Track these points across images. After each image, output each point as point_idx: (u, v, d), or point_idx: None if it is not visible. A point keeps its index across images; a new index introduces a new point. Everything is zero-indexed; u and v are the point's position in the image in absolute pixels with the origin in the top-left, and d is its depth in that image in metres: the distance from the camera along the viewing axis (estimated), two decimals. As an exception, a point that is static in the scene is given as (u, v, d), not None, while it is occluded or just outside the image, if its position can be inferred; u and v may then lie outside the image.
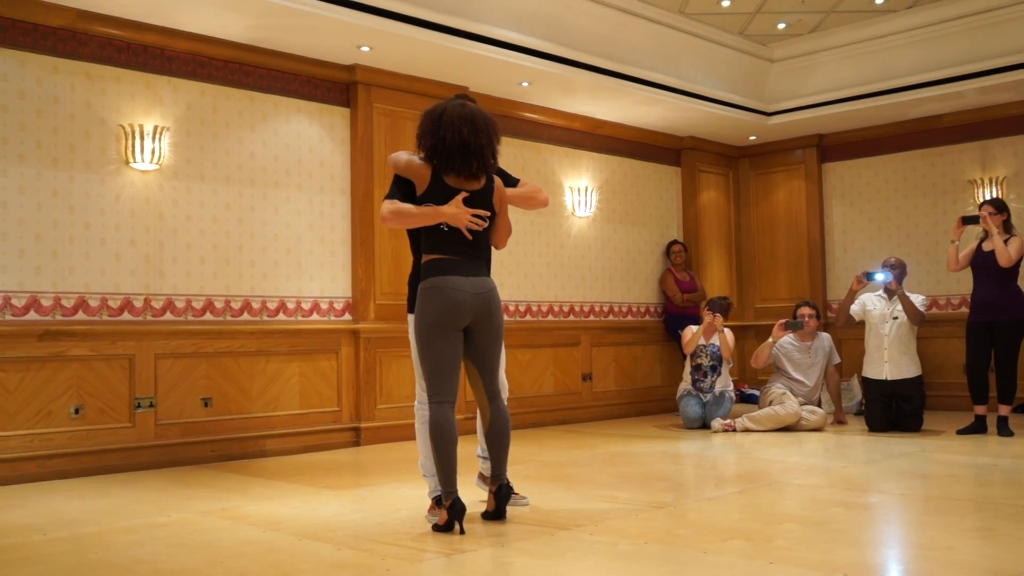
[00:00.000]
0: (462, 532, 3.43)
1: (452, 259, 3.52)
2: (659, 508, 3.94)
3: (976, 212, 6.52)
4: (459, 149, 3.46)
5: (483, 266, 3.62)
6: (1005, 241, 6.12)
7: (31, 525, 3.81)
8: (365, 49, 6.12)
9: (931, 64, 7.58)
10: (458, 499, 3.45)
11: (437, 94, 6.69)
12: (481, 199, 3.57)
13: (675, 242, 8.74)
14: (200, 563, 3.12)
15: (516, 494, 3.99)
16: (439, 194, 3.51)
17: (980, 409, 6.28)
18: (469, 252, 3.55)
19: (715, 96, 8.04)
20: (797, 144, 9.18)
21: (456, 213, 3.47)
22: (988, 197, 7.66)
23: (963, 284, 7.60)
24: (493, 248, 3.77)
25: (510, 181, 3.94)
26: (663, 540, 3.34)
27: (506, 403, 3.75)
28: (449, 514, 3.44)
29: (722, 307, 7.23)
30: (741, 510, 3.90)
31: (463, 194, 3.51)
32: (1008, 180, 7.99)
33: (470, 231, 3.51)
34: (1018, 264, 6.11)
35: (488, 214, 3.57)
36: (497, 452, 3.63)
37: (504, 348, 3.77)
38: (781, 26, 7.92)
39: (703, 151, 9.17)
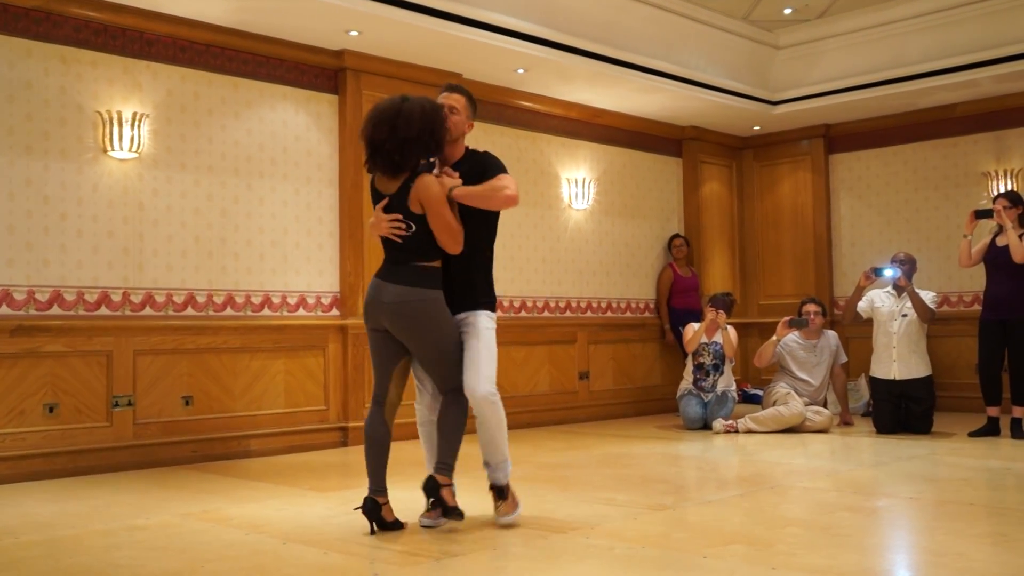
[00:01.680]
0: (372, 532, 3.49)
1: (384, 262, 3.64)
2: (658, 511, 3.91)
3: (990, 205, 6.46)
4: (369, 146, 3.54)
5: (406, 272, 3.52)
6: (1020, 236, 6.03)
7: (2, 529, 3.74)
8: (354, 34, 6.02)
9: (944, 51, 7.49)
10: (369, 498, 3.49)
11: (429, 81, 6.61)
12: (397, 202, 3.54)
13: (677, 236, 8.70)
14: (181, 567, 3.10)
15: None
16: (374, 200, 3.66)
17: (993, 410, 6.22)
18: (397, 257, 3.58)
19: (718, 84, 7.96)
20: (803, 134, 9.09)
21: (372, 223, 3.61)
22: (1003, 190, 7.58)
23: (976, 280, 7.55)
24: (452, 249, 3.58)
25: (485, 174, 3.57)
26: (662, 544, 3.33)
27: (495, 402, 3.54)
28: (362, 511, 3.49)
29: (725, 303, 7.15)
30: (743, 514, 3.86)
31: (383, 202, 3.58)
32: None
33: (400, 236, 3.54)
34: (1033, 259, 6.04)
35: (400, 217, 3.50)
36: (440, 440, 3.61)
37: (486, 349, 3.56)
38: (787, 11, 7.86)
39: (705, 141, 9.09)
